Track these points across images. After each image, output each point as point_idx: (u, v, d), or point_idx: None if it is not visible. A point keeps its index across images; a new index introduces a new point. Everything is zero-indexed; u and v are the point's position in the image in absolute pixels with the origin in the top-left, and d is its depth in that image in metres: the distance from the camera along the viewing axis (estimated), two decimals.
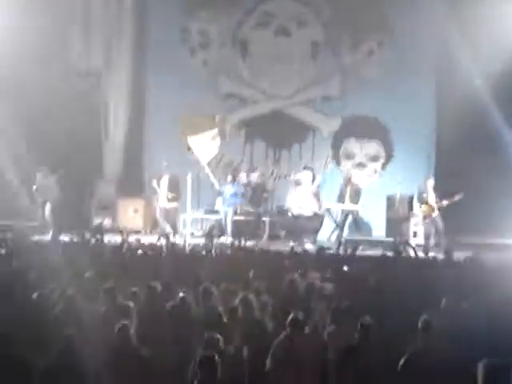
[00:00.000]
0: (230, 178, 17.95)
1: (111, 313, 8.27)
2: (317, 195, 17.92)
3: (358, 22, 19.24)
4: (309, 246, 16.75)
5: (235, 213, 17.81)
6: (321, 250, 13.39)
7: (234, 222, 17.65)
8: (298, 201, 17.86)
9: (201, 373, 6.45)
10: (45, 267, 10.51)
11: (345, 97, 19.49)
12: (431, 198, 16.93)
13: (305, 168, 18.45)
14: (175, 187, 17.68)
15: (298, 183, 18.12)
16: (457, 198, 16.58)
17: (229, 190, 17.76)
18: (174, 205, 17.84)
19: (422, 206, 16.99)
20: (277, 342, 7.64)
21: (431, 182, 17.19)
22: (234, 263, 11.65)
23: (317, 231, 17.86)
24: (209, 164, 17.63)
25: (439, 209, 16.80)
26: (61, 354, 7.01)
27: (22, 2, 17.93)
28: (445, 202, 16.71)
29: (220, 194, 17.88)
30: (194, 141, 17.30)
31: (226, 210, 17.68)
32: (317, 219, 17.88)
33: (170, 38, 19.65)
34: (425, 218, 16.96)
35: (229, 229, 17.44)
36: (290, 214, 17.89)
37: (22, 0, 17.99)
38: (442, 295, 8.89)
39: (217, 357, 6.48)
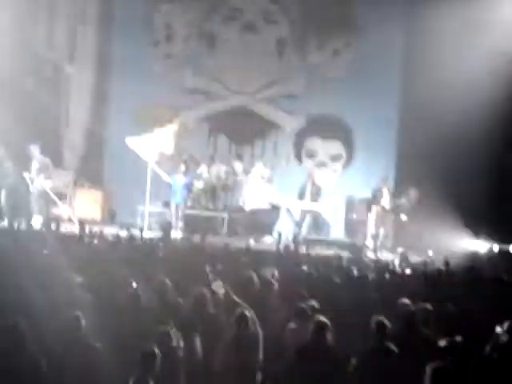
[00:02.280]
0: (182, 167, 17.56)
1: (65, 302, 8.14)
2: (269, 186, 17.76)
3: (325, 21, 19.28)
4: (269, 240, 16.76)
5: (189, 206, 17.64)
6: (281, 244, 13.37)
7: (191, 217, 17.48)
8: (252, 194, 17.72)
9: (140, 368, 6.47)
10: None
11: (309, 95, 19.48)
12: (385, 198, 16.95)
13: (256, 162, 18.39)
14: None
15: (251, 177, 17.95)
16: (412, 193, 16.64)
17: (181, 180, 17.41)
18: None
19: (374, 206, 16.98)
20: (224, 339, 7.59)
21: (386, 183, 17.22)
22: (190, 259, 11.54)
23: (273, 224, 17.81)
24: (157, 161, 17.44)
25: (396, 210, 16.84)
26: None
27: None
28: (402, 200, 16.76)
29: (172, 185, 17.51)
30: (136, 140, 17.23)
31: (178, 203, 17.35)
32: (273, 211, 17.85)
33: (134, 29, 19.48)
34: (377, 218, 16.97)
35: (180, 223, 17.19)
36: (246, 209, 17.74)
37: None
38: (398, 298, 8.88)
39: (158, 352, 6.49)
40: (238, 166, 18.23)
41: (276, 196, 17.69)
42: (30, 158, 16.97)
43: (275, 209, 17.81)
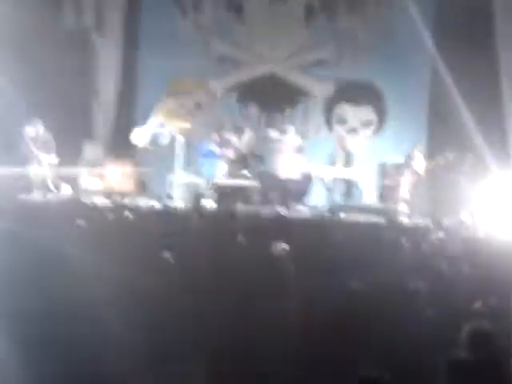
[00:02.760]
0: (215, 137, 17.59)
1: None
2: (300, 156, 17.63)
3: None
4: (302, 209, 16.69)
5: (221, 175, 17.62)
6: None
7: (223, 185, 17.48)
8: (284, 163, 17.59)
9: None
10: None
11: (339, 61, 19.31)
12: (417, 162, 16.84)
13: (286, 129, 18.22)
14: None
15: (281, 145, 17.82)
16: (451, 156, 16.53)
17: (212, 149, 17.40)
18: None
19: (407, 171, 16.89)
20: None
21: (419, 148, 17.10)
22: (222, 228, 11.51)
23: (307, 192, 17.72)
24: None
25: (429, 174, 16.75)
26: None
27: None
28: (435, 163, 16.66)
29: (203, 154, 17.49)
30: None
31: (210, 172, 17.36)
32: (306, 180, 17.71)
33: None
34: (409, 183, 16.89)
35: (212, 191, 17.15)
36: (279, 178, 17.61)
37: None
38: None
39: None
40: (273, 134, 18.06)
41: (308, 164, 17.56)
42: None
43: (307, 177, 17.70)
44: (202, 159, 17.50)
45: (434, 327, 7.12)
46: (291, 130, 18.03)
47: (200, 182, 17.63)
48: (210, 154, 17.32)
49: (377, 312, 7.46)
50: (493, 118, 17.10)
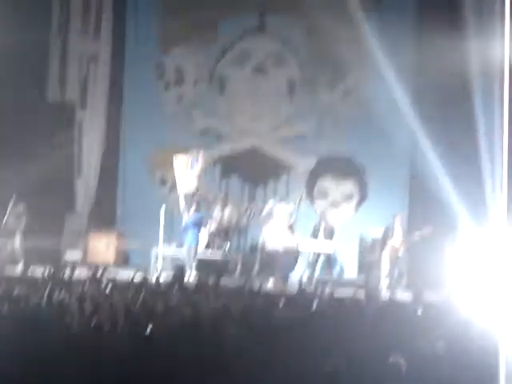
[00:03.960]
0: (194, 206, 17.58)
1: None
2: (292, 229, 17.67)
3: (335, 61, 19.27)
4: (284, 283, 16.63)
5: (202, 248, 17.63)
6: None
7: (204, 259, 17.46)
8: (273, 234, 17.61)
9: None
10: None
11: (320, 135, 19.51)
12: (398, 236, 16.93)
13: (280, 201, 18.27)
14: None
15: (272, 216, 17.83)
16: (426, 231, 16.60)
17: (192, 219, 17.35)
18: None
19: (388, 244, 16.95)
20: None
21: (398, 220, 17.19)
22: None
23: (292, 268, 17.66)
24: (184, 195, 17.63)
25: (409, 247, 16.82)
26: None
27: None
28: (416, 236, 16.73)
29: (184, 225, 17.50)
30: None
31: (190, 243, 17.27)
32: (292, 255, 17.65)
33: (145, 72, 19.72)
34: (390, 256, 16.93)
35: (193, 263, 17.11)
36: (264, 250, 17.57)
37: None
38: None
39: None
40: (283, 208, 18.00)
41: (295, 239, 17.52)
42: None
43: (293, 251, 17.59)
44: (184, 231, 17.49)
45: None
46: (282, 202, 18.11)
47: (182, 254, 17.61)
48: (192, 226, 17.30)
49: None
50: (476, 192, 17.19)
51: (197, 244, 17.36)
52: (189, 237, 17.21)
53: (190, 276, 16.22)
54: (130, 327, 9.23)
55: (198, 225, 17.39)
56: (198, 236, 17.41)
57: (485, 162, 17.38)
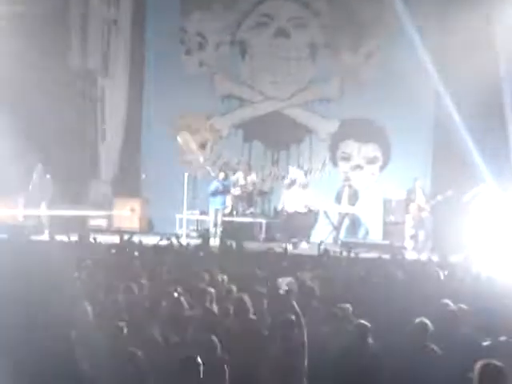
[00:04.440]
0: (221, 174, 17.73)
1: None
2: (308, 192, 17.72)
3: (357, 24, 19.15)
4: (304, 246, 16.72)
5: (227, 213, 17.73)
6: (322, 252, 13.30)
7: (229, 223, 17.59)
8: (290, 199, 17.68)
9: (181, 376, 6.28)
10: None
11: (343, 99, 19.43)
12: (420, 198, 16.93)
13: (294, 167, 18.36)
14: None
15: (290, 182, 17.94)
16: (449, 193, 16.58)
17: (220, 186, 17.47)
18: None
19: (411, 207, 16.98)
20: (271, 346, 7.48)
21: (420, 183, 17.21)
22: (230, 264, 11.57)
23: (311, 228, 17.77)
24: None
25: (433, 209, 16.82)
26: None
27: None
28: (438, 197, 16.73)
29: (211, 190, 17.58)
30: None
31: (217, 208, 17.44)
32: (311, 216, 17.76)
33: (167, 37, 19.75)
34: (413, 218, 16.96)
35: (219, 228, 17.27)
36: (284, 214, 17.69)
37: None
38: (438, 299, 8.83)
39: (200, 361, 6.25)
40: (280, 171, 18.11)
41: (313, 200, 17.62)
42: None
43: (313, 213, 17.75)
44: (209, 197, 17.58)
45: (439, 362, 7.17)
46: (296, 166, 18.19)
47: (206, 219, 17.75)
48: (216, 192, 17.39)
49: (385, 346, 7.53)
50: (500, 153, 17.11)
51: (224, 208, 17.50)
52: (217, 200, 17.33)
53: (215, 240, 16.33)
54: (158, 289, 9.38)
55: (226, 191, 17.52)
56: (225, 200, 17.56)
57: (510, 125, 17.31)
